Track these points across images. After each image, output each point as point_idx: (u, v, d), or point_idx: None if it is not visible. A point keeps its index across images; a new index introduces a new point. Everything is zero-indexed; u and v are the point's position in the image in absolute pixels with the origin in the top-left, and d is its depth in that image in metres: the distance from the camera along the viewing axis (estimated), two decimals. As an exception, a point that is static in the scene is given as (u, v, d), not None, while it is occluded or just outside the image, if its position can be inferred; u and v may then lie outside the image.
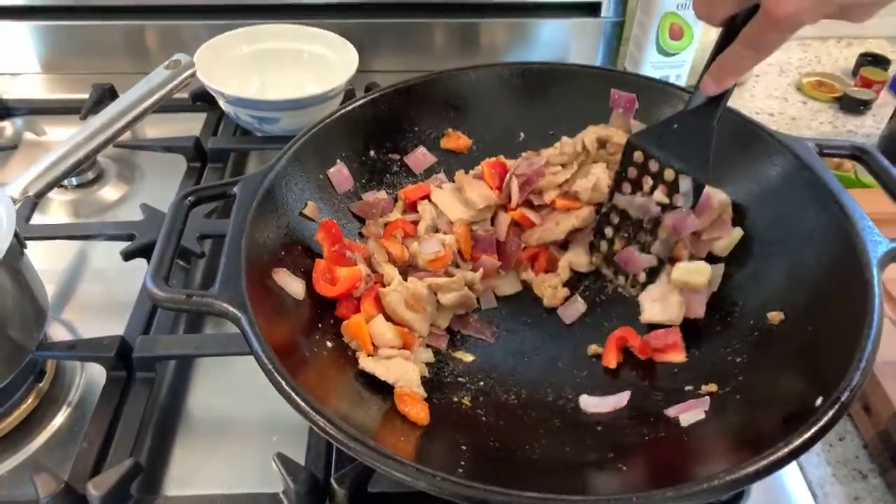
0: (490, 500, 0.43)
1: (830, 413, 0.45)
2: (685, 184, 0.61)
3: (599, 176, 0.72)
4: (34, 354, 0.63)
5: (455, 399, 0.60)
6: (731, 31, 0.53)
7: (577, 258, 0.73)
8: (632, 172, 0.65)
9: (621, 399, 0.59)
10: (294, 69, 1.01)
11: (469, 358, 0.65)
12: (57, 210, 0.89)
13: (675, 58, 1.06)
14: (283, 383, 0.48)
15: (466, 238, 0.71)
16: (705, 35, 1.04)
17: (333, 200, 0.71)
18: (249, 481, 0.60)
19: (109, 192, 0.92)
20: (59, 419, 0.65)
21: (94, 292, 0.78)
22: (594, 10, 1.13)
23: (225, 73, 0.95)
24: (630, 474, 0.50)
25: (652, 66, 1.07)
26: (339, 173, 0.72)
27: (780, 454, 0.43)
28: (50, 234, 0.79)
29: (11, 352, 0.60)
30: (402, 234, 0.71)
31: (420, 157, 0.78)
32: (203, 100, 1.02)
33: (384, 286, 0.65)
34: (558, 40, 1.15)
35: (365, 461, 0.45)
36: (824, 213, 0.60)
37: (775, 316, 0.60)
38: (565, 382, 0.63)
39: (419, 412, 0.55)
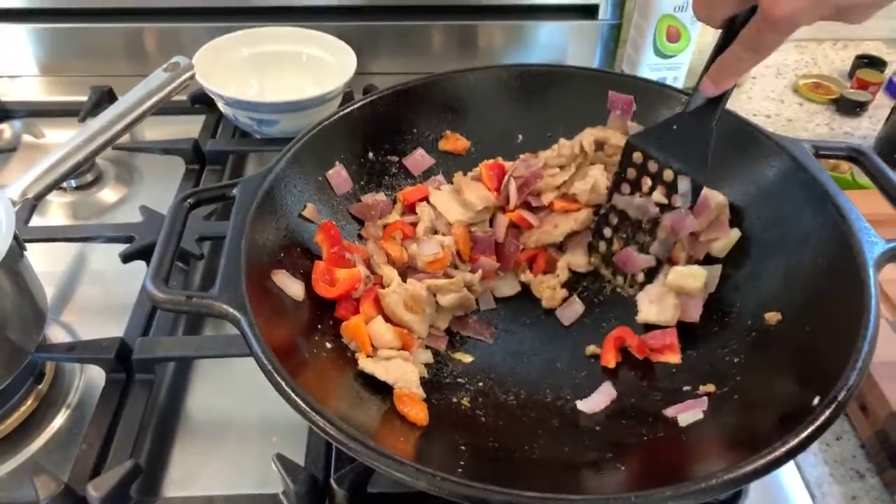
0: (489, 499, 0.43)
1: (827, 412, 0.46)
2: (684, 184, 0.62)
3: (597, 178, 0.72)
4: (33, 356, 0.63)
5: (454, 400, 0.61)
6: (729, 32, 0.54)
7: (576, 259, 0.73)
8: (630, 173, 0.66)
9: (608, 393, 0.60)
10: (293, 71, 1.01)
11: (468, 359, 0.66)
12: (56, 212, 0.89)
13: (673, 60, 1.06)
14: (283, 384, 0.48)
15: (465, 239, 0.72)
16: (702, 37, 1.05)
17: (332, 202, 0.71)
18: (249, 482, 0.60)
19: (108, 194, 0.92)
20: (59, 421, 0.65)
21: (94, 294, 0.78)
22: (591, 12, 1.13)
23: (224, 75, 0.95)
24: (628, 474, 0.50)
25: (649, 68, 1.07)
26: (338, 175, 0.72)
27: (777, 454, 0.44)
28: (49, 236, 0.79)
29: (11, 354, 0.60)
30: (400, 235, 0.71)
31: (418, 159, 0.78)
32: (202, 102, 1.02)
33: (383, 287, 0.65)
34: (556, 42, 1.15)
35: (364, 461, 0.45)
36: (821, 214, 0.61)
37: (772, 316, 0.60)
38: (564, 383, 0.63)
39: (418, 413, 0.55)
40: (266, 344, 0.50)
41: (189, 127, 0.99)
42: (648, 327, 0.66)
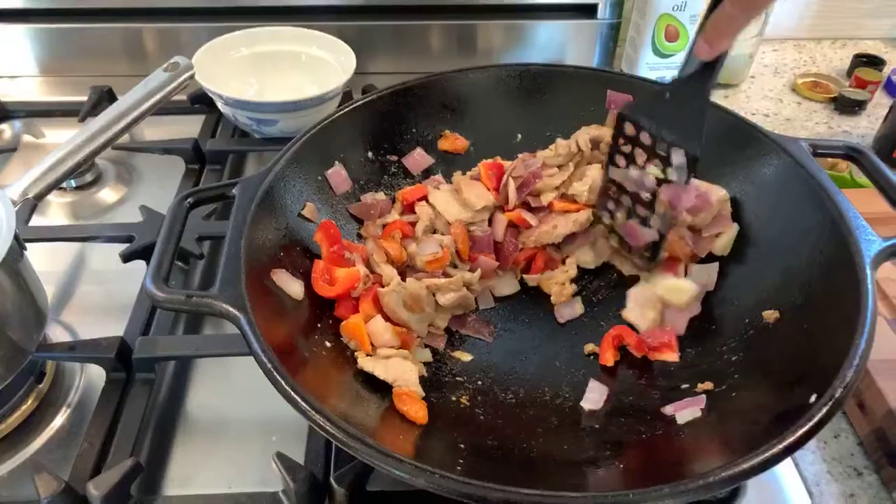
0: (488, 497, 0.43)
1: (824, 410, 0.46)
2: (678, 157, 0.59)
3: (595, 178, 0.72)
4: (34, 356, 0.63)
5: (453, 398, 0.61)
6: None
7: (584, 255, 0.73)
8: (624, 145, 0.64)
9: (600, 390, 0.60)
10: (292, 71, 1.02)
11: (467, 357, 0.66)
12: (56, 212, 0.89)
13: (671, 59, 1.06)
14: (283, 383, 0.48)
15: (464, 239, 0.72)
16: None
17: (332, 201, 0.71)
18: (249, 481, 0.60)
19: (108, 194, 0.92)
20: (59, 420, 0.65)
21: (94, 294, 0.78)
22: (591, 11, 1.13)
23: (223, 75, 0.95)
24: (627, 471, 0.51)
25: (648, 67, 1.07)
26: (338, 175, 0.72)
27: (774, 450, 0.44)
28: (49, 235, 0.79)
29: (11, 353, 0.60)
30: (400, 234, 0.72)
31: (417, 159, 0.79)
32: (201, 102, 1.02)
33: (383, 286, 0.65)
34: (555, 42, 1.15)
35: (364, 459, 0.45)
36: (818, 212, 0.61)
37: (771, 315, 0.60)
38: (563, 381, 0.63)
39: (418, 411, 0.56)
40: (266, 343, 0.50)
41: (189, 127, 0.99)
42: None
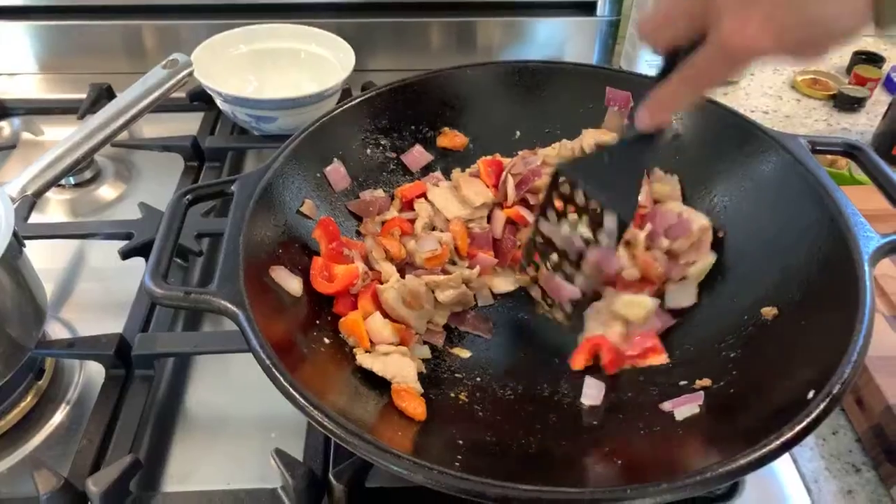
0: (486, 492, 0.43)
1: (822, 406, 0.46)
2: (609, 220, 0.56)
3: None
4: (33, 352, 0.63)
5: (452, 395, 0.61)
6: (671, 61, 0.49)
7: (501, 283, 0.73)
8: (557, 201, 0.60)
9: (597, 386, 0.60)
10: (291, 68, 1.02)
11: (466, 354, 0.66)
12: (55, 209, 0.89)
13: (671, 56, 1.06)
14: (282, 379, 0.48)
15: (463, 235, 0.72)
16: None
17: (331, 198, 0.72)
18: (248, 477, 0.60)
19: (107, 191, 0.92)
20: (59, 417, 0.65)
21: (93, 291, 0.78)
22: (590, 8, 1.13)
23: (222, 72, 0.95)
24: (625, 468, 0.50)
25: (647, 64, 1.07)
26: (336, 171, 0.72)
27: (772, 446, 0.44)
28: (48, 233, 0.79)
29: (10, 350, 0.60)
30: (399, 232, 0.72)
31: (416, 156, 0.78)
32: (200, 99, 1.02)
33: (382, 283, 0.65)
34: (554, 39, 1.15)
35: (363, 455, 0.45)
36: (817, 209, 0.61)
37: (769, 311, 0.60)
38: (561, 378, 0.63)
39: (416, 408, 0.56)
40: (264, 339, 0.50)
41: (188, 124, 0.99)
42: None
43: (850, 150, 0.67)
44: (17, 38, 1.11)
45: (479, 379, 0.63)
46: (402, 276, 0.66)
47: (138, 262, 0.75)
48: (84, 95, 1.00)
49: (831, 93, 1.12)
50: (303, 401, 0.47)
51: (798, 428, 0.45)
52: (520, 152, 0.78)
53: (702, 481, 0.43)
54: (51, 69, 1.14)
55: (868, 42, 1.25)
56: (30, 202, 0.69)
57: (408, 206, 0.75)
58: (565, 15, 1.14)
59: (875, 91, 1.12)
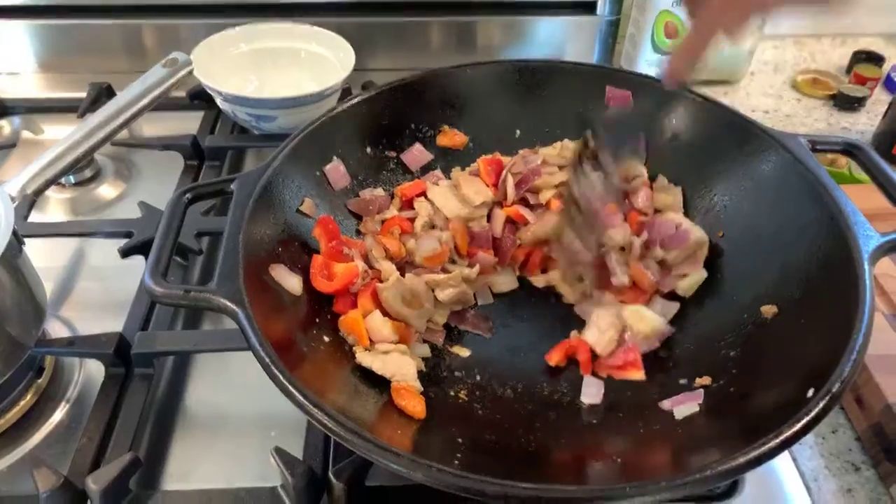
0: (486, 490, 0.43)
1: (822, 404, 0.46)
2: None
3: (594, 178, 0.72)
4: (33, 351, 0.63)
5: (451, 393, 0.61)
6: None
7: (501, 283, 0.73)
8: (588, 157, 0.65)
9: (596, 384, 0.61)
10: (291, 67, 1.01)
11: (465, 353, 0.66)
12: (55, 208, 0.89)
13: (671, 55, 1.06)
14: (281, 377, 0.48)
15: (462, 234, 0.72)
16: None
17: (330, 197, 0.71)
18: (248, 476, 0.60)
19: (107, 189, 0.92)
20: (58, 415, 0.65)
21: (93, 289, 0.78)
22: (590, 8, 1.13)
23: (222, 71, 0.95)
24: (624, 466, 0.51)
25: (647, 63, 1.07)
26: (336, 170, 0.72)
27: (771, 444, 0.44)
28: (48, 231, 0.79)
29: (10, 348, 0.60)
30: (398, 230, 0.72)
31: (416, 155, 0.78)
32: (200, 98, 1.02)
33: (381, 282, 0.65)
34: (554, 38, 1.15)
35: (362, 454, 0.45)
36: (817, 208, 0.61)
37: (768, 310, 0.60)
38: (561, 377, 0.63)
39: (416, 406, 0.56)
40: (264, 338, 0.50)
41: (187, 123, 0.99)
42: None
43: (850, 149, 0.67)
44: (17, 38, 1.11)
45: (478, 377, 0.63)
46: (402, 275, 0.66)
47: (138, 260, 0.75)
48: (84, 94, 1.00)
49: (831, 92, 1.12)
50: (302, 399, 0.47)
51: (797, 426, 0.45)
52: (520, 151, 0.78)
53: (701, 479, 0.43)
54: (51, 68, 1.14)
55: (868, 42, 1.24)
56: (30, 201, 0.69)
57: (407, 204, 0.76)
58: (565, 14, 1.14)
59: (875, 90, 1.12)
